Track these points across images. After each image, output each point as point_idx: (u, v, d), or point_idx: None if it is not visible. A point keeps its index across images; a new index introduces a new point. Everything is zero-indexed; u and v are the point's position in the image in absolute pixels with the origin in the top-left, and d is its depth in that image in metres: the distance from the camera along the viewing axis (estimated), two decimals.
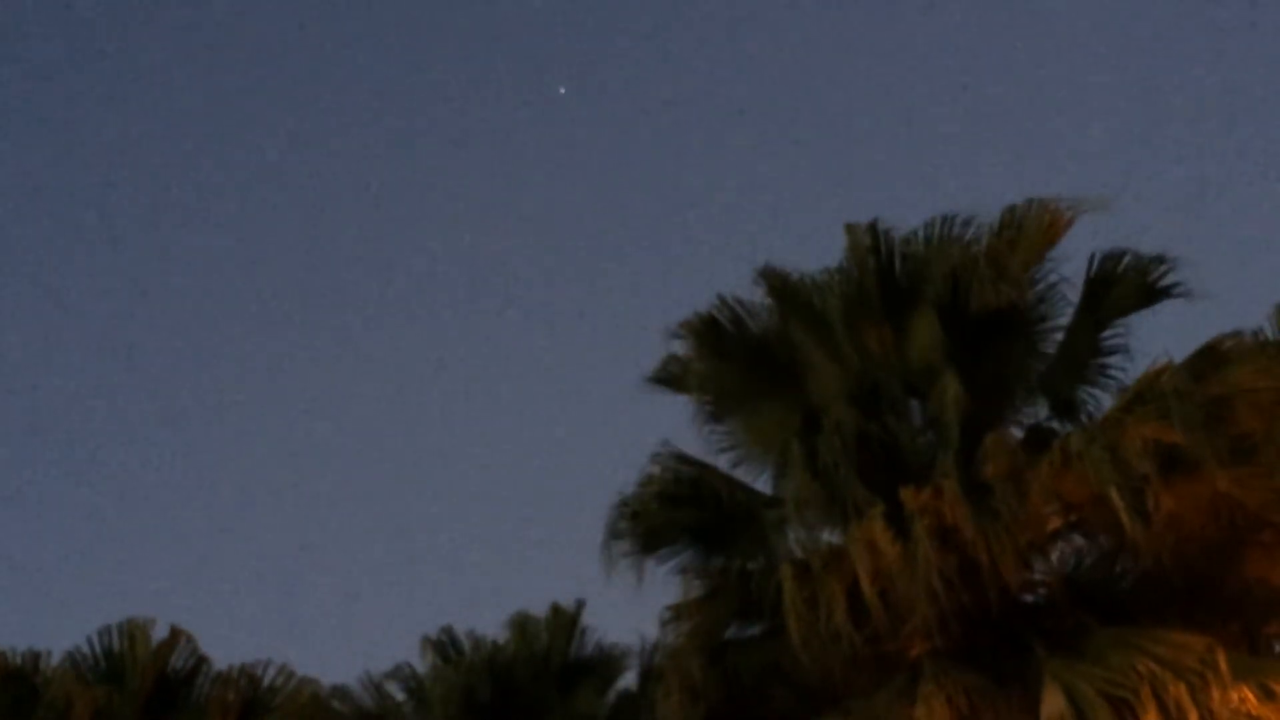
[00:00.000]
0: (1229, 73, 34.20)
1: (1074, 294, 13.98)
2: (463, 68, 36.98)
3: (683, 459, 14.20)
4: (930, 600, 12.01)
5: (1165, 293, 13.55)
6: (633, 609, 13.81)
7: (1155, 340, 13.89)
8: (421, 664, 19.81)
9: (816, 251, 14.78)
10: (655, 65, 36.91)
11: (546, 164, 36.95)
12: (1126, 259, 13.66)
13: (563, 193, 37.32)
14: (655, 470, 14.00)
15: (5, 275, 36.53)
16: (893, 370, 13.87)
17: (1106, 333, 13.91)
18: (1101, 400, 13.84)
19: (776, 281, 14.29)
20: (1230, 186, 33.22)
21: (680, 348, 14.39)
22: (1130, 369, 13.60)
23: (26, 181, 36.60)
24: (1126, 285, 13.64)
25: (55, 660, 16.78)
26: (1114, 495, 11.69)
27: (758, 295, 14.33)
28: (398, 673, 19.81)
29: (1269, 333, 14.00)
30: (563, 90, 35.39)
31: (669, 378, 14.43)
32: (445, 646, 19.99)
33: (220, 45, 36.54)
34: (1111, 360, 13.89)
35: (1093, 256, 13.70)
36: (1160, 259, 13.52)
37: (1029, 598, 13.08)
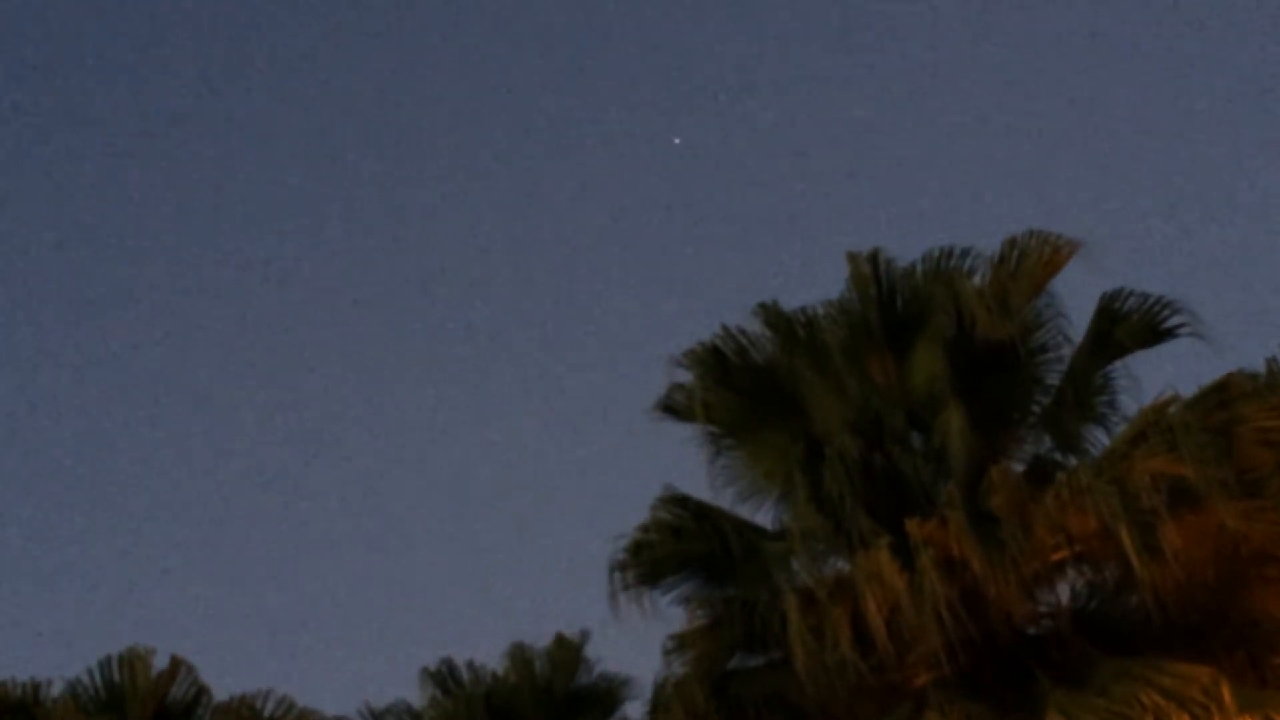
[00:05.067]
0: (1235, 103, 34.40)
1: (1075, 327, 14.06)
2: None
3: (685, 502, 14.22)
4: (936, 630, 12.02)
5: (1170, 333, 13.61)
6: (638, 640, 13.82)
7: (1155, 376, 13.99)
8: (420, 695, 19.80)
9: (821, 281, 14.85)
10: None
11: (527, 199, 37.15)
12: (1131, 299, 13.72)
13: (562, 226, 37.45)
14: (660, 506, 14.03)
15: (6, 298, 36.58)
16: (895, 401, 13.91)
17: (1110, 370, 13.95)
18: (1103, 435, 13.90)
19: (774, 316, 14.34)
20: (1233, 222, 33.36)
21: (684, 377, 14.41)
22: (1134, 406, 13.64)
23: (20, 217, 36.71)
24: (1132, 324, 13.71)
25: (56, 691, 16.78)
26: (1123, 532, 11.69)
27: (760, 327, 14.38)
28: (397, 705, 19.80)
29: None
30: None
31: (675, 406, 14.44)
32: (444, 677, 19.99)
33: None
34: (1115, 397, 13.95)
35: (1103, 297, 13.76)
36: (1166, 301, 13.60)
37: (1033, 629, 13.13)
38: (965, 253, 14.06)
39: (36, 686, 16.76)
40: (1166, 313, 13.59)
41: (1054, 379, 14.03)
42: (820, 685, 12.36)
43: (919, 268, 14.12)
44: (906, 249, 14.30)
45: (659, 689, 17.04)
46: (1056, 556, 12.81)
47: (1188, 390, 12.86)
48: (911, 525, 12.34)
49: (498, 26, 36.65)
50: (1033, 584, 12.79)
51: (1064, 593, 13.23)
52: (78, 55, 36.69)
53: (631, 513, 14.22)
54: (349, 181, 38.05)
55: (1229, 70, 34.71)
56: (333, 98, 37.90)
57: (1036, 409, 13.99)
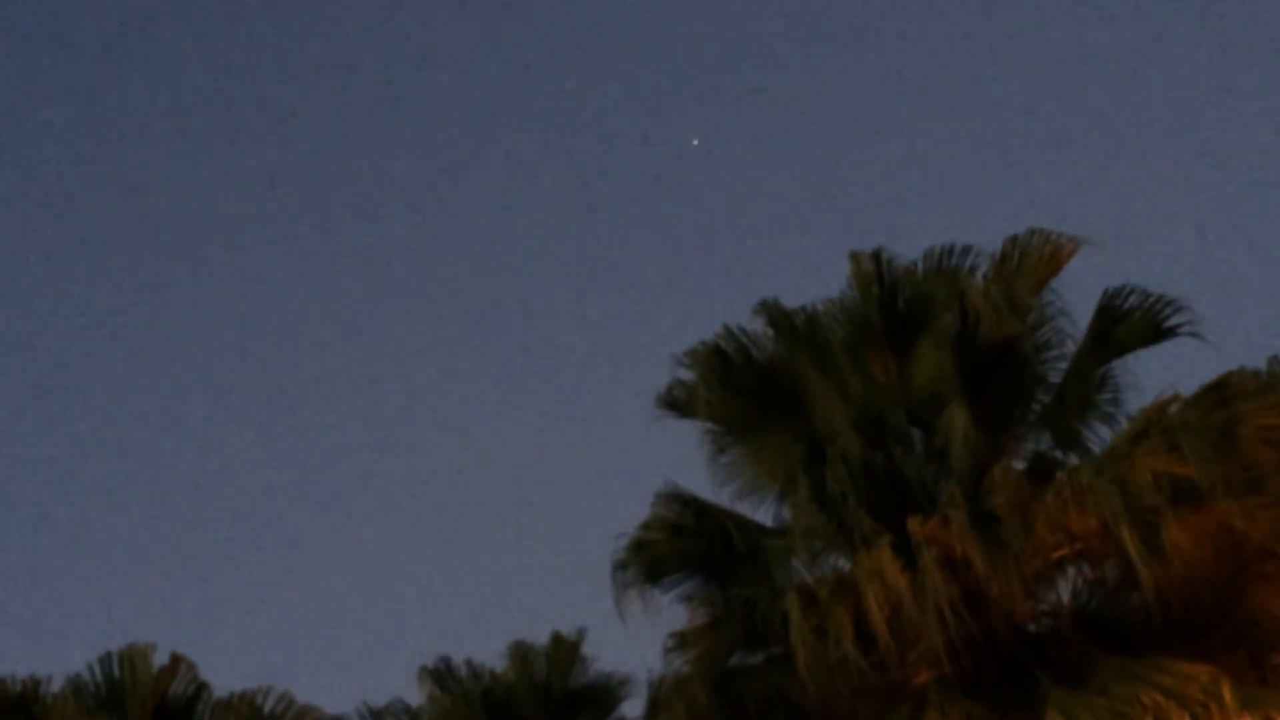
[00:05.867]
0: (1236, 101, 34.46)
1: (1075, 325, 14.06)
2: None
3: (685, 500, 14.22)
4: (937, 629, 12.04)
5: (1171, 332, 13.62)
6: (635, 638, 13.83)
7: (1156, 374, 14.00)
8: (419, 693, 19.79)
9: (822, 280, 14.87)
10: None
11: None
12: (1133, 297, 13.74)
13: (564, 225, 37.49)
14: (661, 504, 14.03)
15: (9, 296, 36.59)
16: (897, 400, 13.92)
17: (1111, 368, 13.96)
18: (1104, 433, 13.91)
19: (776, 314, 14.34)
20: (1233, 223, 33.40)
21: (686, 376, 14.41)
22: (1134, 404, 13.66)
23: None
24: (1133, 323, 13.73)
25: (56, 687, 16.74)
26: (1124, 531, 11.71)
27: (762, 325, 14.39)
28: (395, 703, 19.79)
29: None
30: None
31: (676, 402, 14.45)
32: (443, 675, 19.95)
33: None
34: (1116, 395, 13.95)
35: (1104, 294, 13.77)
36: (1168, 299, 13.61)
37: (1034, 627, 13.13)
38: (967, 251, 14.10)
39: (37, 683, 16.73)
40: (1168, 311, 13.60)
41: (1055, 377, 14.04)
42: (821, 683, 12.37)
43: (920, 266, 14.15)
44: (908, 248, 14.35)
45: (655, 687, 17.14)
46: (1057, 555, 12.83)
47: (1189, 389, 12.92)
48: (913, 524, 12.36)
49: (513, 26, 36.73)
50: (1034, 583, 12.81)
51: (1065, 591, 13.25)
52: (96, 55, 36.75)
53: (631, 511, 14.26)
54: (358, 180, 38.11)
55: (1229, 68, 34.76)
56: (346, 97, 38.01)
57: (1038, 407, 13.99)
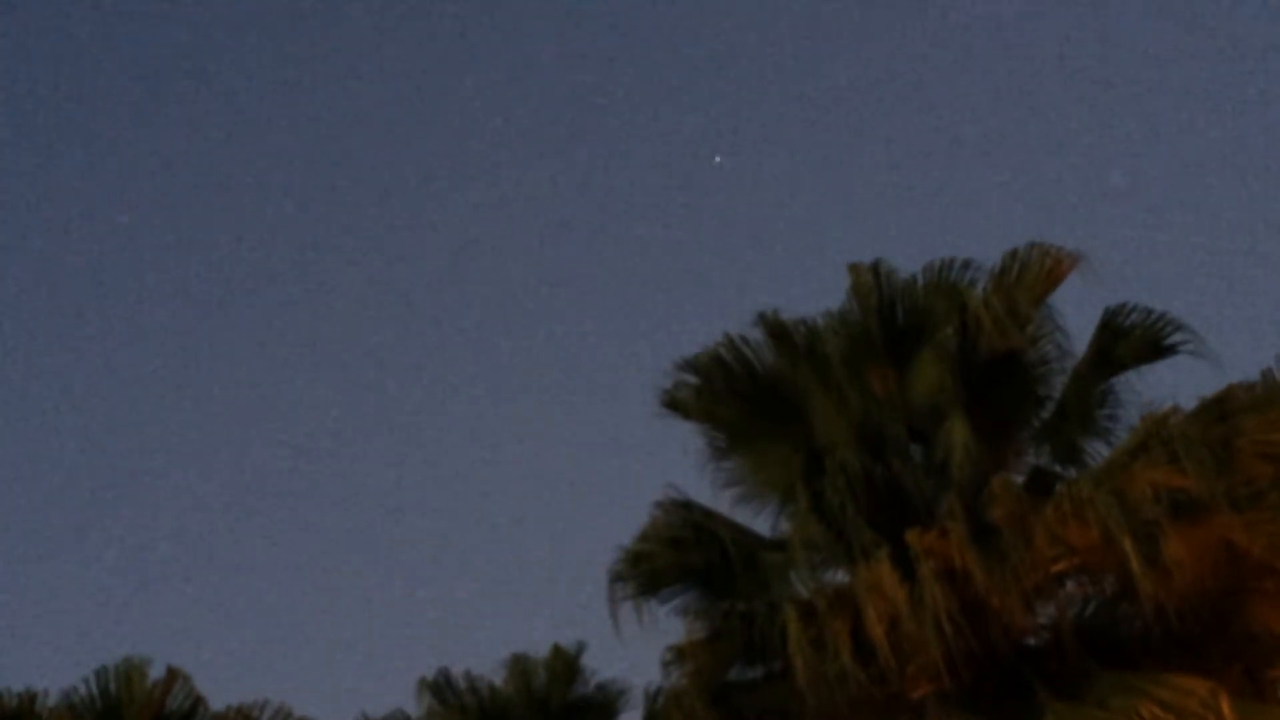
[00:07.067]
0: (1237, 113, 34.51)
1: (1075, 340, 14.08)
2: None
3: (686, 504, 14.20)
4: (936, 642, 12.01)
5: (1172, 350, 13.65)
6: (634, 650, 13.79)
7: (1155, 387, 14.01)
8: (418, 706, 19.77)
9: (821, 293, 14.88)
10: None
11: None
12: (1134, 314, 13.75)
13: (561, 232, 37.51)
14: (659, 514, 14.01)
15: (7, 299, 36.59)
16: (896, 412, 13.92)
17: (1112, 384, 13.97)
18: (1103, 449, 13.91)
19: (775, 324, 14.34)
20: (1235, 236, 33.41)
21: (687, 380, 14.42)
22: (1134, 420, 13.64)
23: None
24: (1133, 340, 13.76)
25: (52, 701, 16.72)
26: (1125, 543, 11.69)
27: (761, 336, 14.39)
28: (394, 715, 19.77)
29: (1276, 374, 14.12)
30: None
31: (678, 403, 14.44)
32: (442, 688, 19.95)
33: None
34: (1116, 411, 13.98)
35: (1105, 311, 13.80)
36: (1169, 318, 13.64)
37: (1033, 641, 13.11)
38: (966, 264, 14.12)
39: (33, 696, 16.71)
40: (1169, 329, 13.62)
41: (1055, 391, 14.05)
42: (820, 697, 12.33)
43: (920, 279, 14.16)
44: (908, 261, 14.36)
45: (652, 701, 17.13)
46: (1057, 568, 12.80)
47: (1188, 401, 12.95)
48: (912, 536, 12.33)
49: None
50: (1033, 595, 12.76)
51: (1063, 605, 13.22)
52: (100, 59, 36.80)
53: (630, 523, 14.24)
54: (364, 185, 38.17)
55: (1230, 82, 34.81)
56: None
57: (1037, 421, 14.00)
